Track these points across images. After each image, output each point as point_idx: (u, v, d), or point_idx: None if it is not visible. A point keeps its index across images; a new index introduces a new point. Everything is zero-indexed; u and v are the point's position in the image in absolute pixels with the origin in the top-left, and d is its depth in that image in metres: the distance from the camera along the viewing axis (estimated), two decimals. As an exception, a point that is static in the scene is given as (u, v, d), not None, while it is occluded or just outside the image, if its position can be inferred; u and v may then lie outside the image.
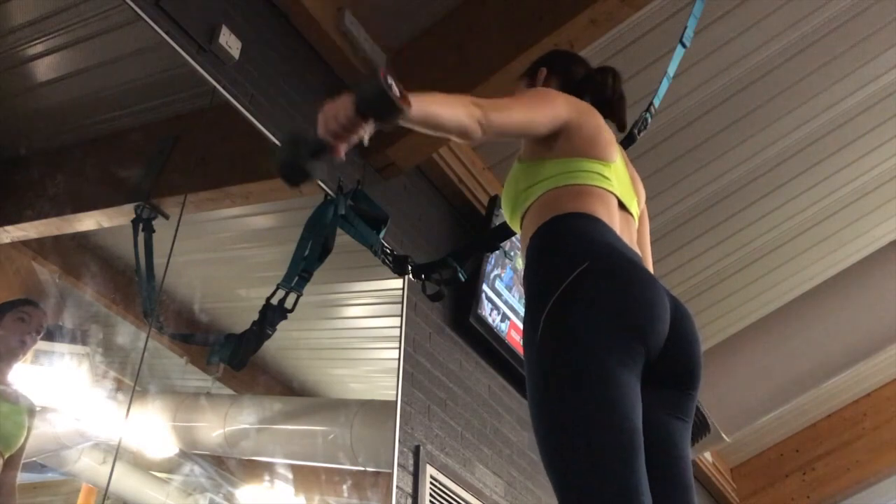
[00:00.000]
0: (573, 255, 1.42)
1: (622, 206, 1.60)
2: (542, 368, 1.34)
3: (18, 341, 2.01)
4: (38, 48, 2.21)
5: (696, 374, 1.46)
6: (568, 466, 1.26)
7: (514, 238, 2.55)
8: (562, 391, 1.31)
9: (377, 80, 1.25)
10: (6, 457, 1.87)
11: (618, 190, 1.59)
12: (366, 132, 1.33)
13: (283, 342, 2.66)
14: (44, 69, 2.27)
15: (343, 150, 1.34)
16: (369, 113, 1.28)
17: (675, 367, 1.43)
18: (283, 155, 1.34)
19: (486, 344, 3.37)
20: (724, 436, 3.62)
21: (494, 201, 3.43)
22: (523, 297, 1.51)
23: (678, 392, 1.45)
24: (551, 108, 1.58)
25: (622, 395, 1.28)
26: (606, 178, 1.57)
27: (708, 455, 5.20)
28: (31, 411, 1.97)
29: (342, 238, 2.63)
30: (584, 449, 1.25)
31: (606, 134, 1.64)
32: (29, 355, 2.04)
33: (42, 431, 2.00)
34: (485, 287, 3.31)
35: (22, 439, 1.91)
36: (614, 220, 1.54)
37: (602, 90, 1.79)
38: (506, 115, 1.53)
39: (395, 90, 1.27)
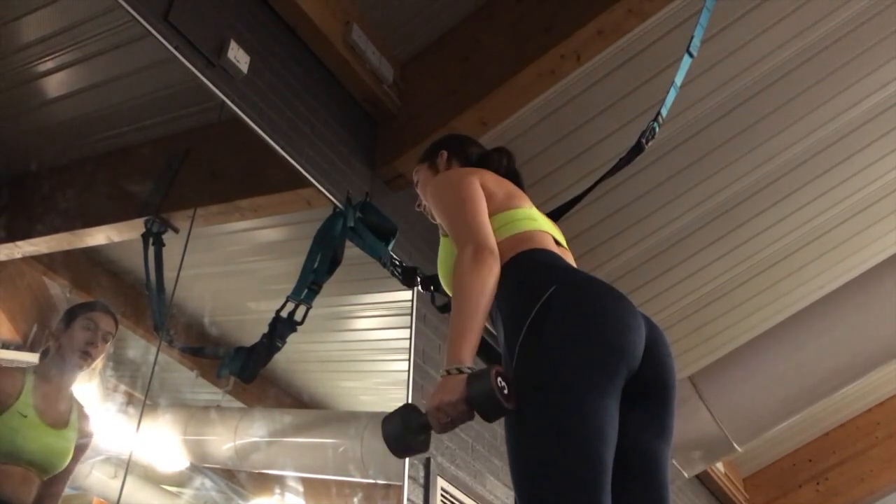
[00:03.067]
0: (540, 282, 1.46)
1: (557, 243, 1.70)
2: (517, 395, 1.35)
3: (81, 353, 1.94)
4: (49, 65, 2.22)
5: (672, 385, 1.49)
6: (533, 492, 1.29)
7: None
8: (533, 419, 1.32)
9: (489, 383, 1.32)
10: (48, 477, 1.82)
11: (548, 228, 1.70)
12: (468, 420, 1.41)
13: (293, 355, 2.66)
14: (54, 85, 2.28)
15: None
16: (478, 410, 1.36)
17: (652, 380, 1.46)
18: (392, 430, 1.43)
19: (494, 355, 3.36)
20: (735, 445, 3.60)
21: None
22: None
23: (658, 406, 1.47)
24: (473, 190, 1.66)
25: (592, 422, 1.30)
26: (535, 219, 1.68)
27: (720, 465, 5.16)
28: (81, 429, 1.90)
29: (351, 250, 2.63)
30: (550, 478, 1.27)
31: (512, 188, 1.78)
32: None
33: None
34: (494, 298, 3.30)
35: (66, 461, 1.85)
36: (559, 255, 1.64)
37: (496, 169, 1.88)
38: (479, 227, 1.58)
39: (505, 392, 1.34)
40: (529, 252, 1.58)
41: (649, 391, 1.45)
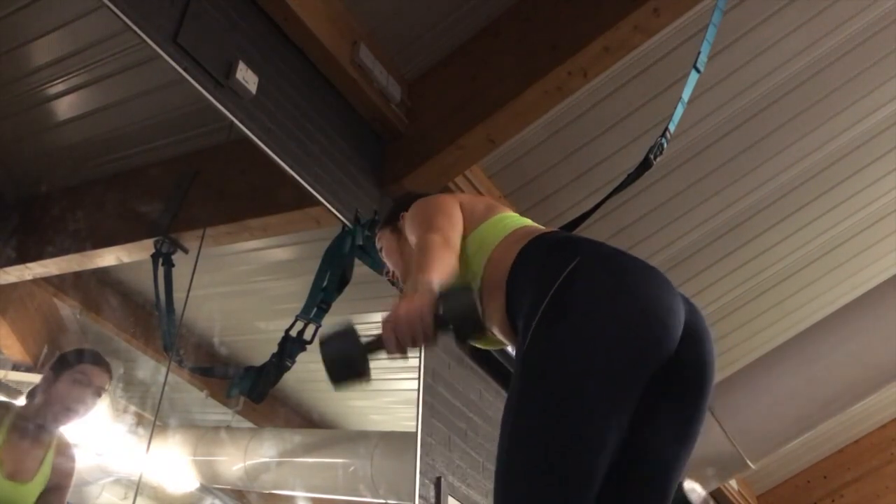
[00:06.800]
0: (561, 256, 1.31)
1: None
2: (521, 386, 1.22)
3: (67, 410, 1.83)
4: (59, 87, 2.24)
5: (710, 382, 1.33)
6: (508, 493, 1.18)
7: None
8: (531, 415, 1.19)
9: (470, 297, 1.14)
10: None
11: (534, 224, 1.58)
12: (430, 343, 1.20)
13: (303, 374, 2.66)
14: (64, 108, 2.30)
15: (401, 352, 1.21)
16: (453, 328, 1.16)
17: (688, 375, 1.31)
18: (342, 349, 1.16)
19: (505, 373, 3.35)
20: (749, 462, 3.57)
21: (511, 230, 3.43)
22: None
23: (689, 406, 1.32)
24: (448, 204, 1.54)
25: (596, 435, 1.17)
26: (522, 217, 1.57)
27: (734, 483, 5.12)
28: (55, 470, 1.80)
29: (360, 269, 2.63)
30: (531, 482, 1.16)
31: (492, 201, 1.64)
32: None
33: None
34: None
35: None
36: None
37: None
38: (451, 226, 1.46)
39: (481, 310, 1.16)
40: (541, 235, 1.43)
41: (682, 387, 1.30)
